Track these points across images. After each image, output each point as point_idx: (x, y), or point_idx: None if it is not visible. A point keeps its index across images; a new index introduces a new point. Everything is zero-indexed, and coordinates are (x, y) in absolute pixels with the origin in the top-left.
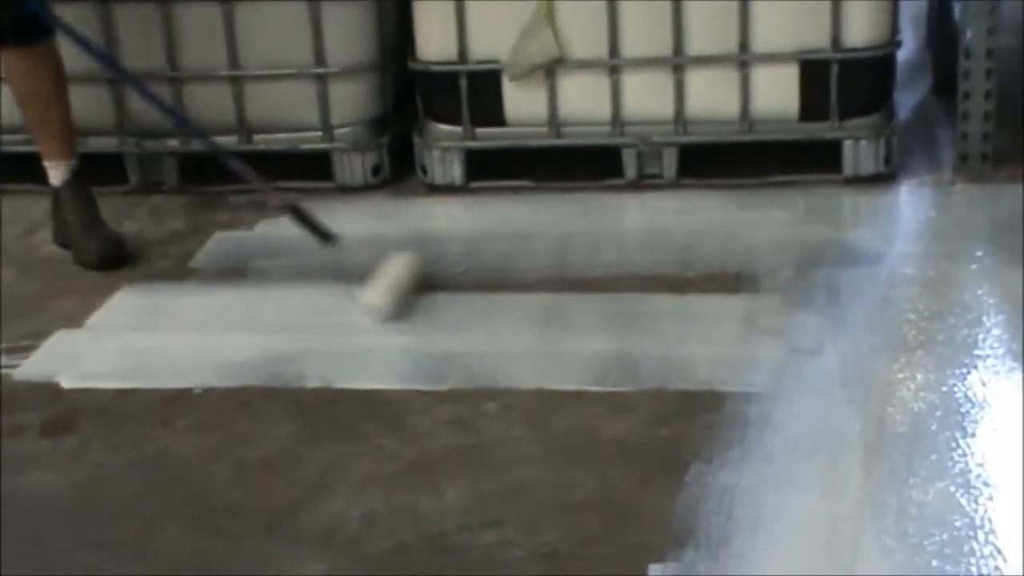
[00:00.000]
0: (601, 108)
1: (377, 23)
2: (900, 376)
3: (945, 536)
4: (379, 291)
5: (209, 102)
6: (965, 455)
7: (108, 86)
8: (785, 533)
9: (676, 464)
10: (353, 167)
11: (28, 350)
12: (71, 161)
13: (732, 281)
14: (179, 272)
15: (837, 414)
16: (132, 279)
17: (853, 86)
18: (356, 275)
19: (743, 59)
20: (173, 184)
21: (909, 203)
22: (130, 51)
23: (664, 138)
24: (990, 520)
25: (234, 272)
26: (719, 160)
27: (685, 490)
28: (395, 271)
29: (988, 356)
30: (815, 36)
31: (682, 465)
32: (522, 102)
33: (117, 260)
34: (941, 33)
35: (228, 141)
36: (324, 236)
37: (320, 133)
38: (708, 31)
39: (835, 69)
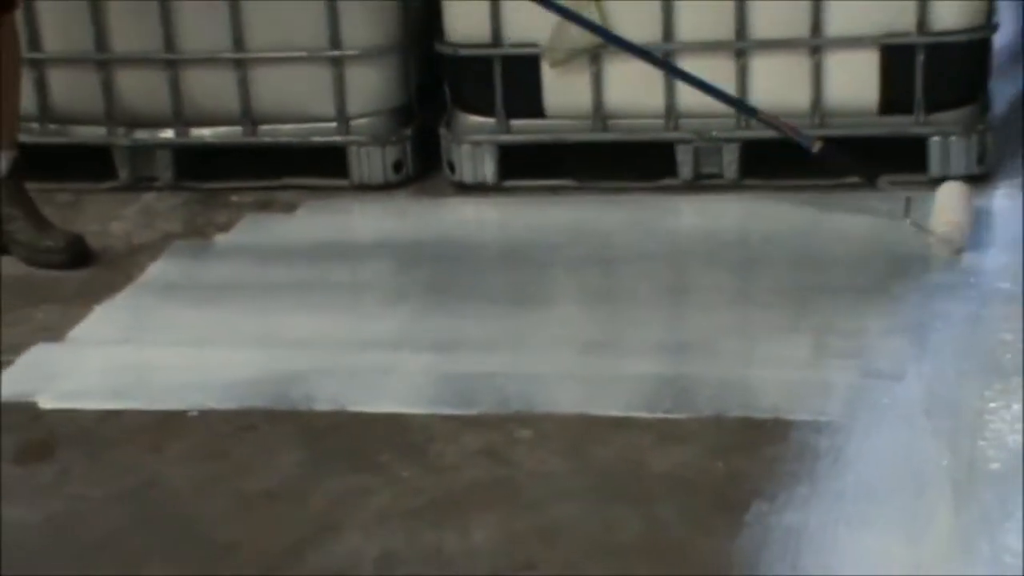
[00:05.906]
0: (653, 98)
1: (400, 0)
2: (993, 405)
3: None
4: (950, 222)
5: (210, 89)
6: None
7: (95, 67)
8: None
9: (735, 502)
10: (371, 163)
11: (2, 366)
12: (13, 152)
13: (802, 296)
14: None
15: (921, 447)
16: (119, 286)
17: (942, 75)
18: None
19: (815, 43)
20: (167, 180)
21: (1005, 208)
22: (121, 31)
23: (724, 133)
24: None
25: (236, 280)
26: (787, 158)
27: (745, 532)
28: (956, 199)
29: None
30: (898, 17)
31: (742, 503)
32: (563, 91)
33: (86, 256)
34: None
35: (230, 132)
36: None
37: (334, 124)
38: (776, 12)
39: (921, 55)
